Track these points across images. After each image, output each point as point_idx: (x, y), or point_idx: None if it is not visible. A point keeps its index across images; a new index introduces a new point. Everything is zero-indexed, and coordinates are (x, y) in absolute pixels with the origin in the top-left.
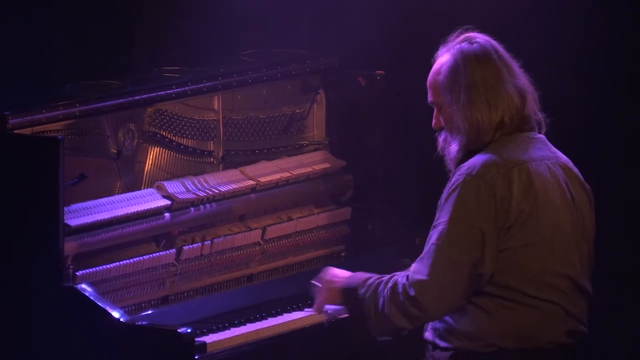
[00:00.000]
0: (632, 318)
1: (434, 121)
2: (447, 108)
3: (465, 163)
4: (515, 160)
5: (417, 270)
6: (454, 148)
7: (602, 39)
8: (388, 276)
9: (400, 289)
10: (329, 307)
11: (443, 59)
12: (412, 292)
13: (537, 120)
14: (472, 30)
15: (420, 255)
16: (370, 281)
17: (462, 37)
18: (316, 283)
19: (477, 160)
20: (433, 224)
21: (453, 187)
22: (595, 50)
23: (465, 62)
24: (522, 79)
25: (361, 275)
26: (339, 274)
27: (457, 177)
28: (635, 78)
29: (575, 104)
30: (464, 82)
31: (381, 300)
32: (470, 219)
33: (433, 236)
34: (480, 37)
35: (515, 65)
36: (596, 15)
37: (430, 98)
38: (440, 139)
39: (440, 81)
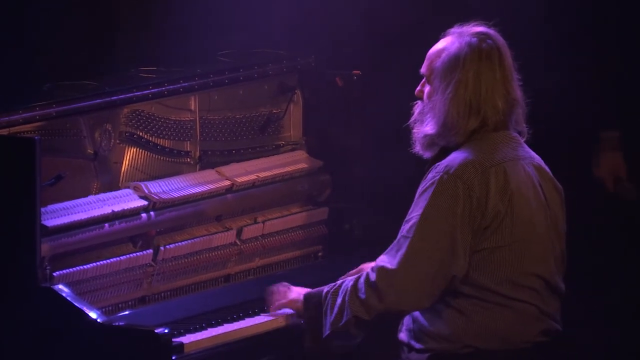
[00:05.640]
0: (604, 315)
1: (417, 88)
2: (432, 88)
3: (443, 161)
4: (493, 160)
5: (385, 260)
6: (422, 130)
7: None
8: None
9: (363, 277)
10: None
11: (450, 42)
12: (373, 277)
13: (520, 130)
14: (491, 27)
15: (390, 247)
16: (338, 281)
17: (477, 29)
18: (274, 289)
19: (454, 158)
20: (406, 219)
21: (429, 184)
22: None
23: (467, 57)
24: (517, 91)
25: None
26: (299, 289)
27: (434, 174)
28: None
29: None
30: (457, 76)
31: (342, 290)
32: (444, 218)
33: (404, 229)
34: (493, 38)
35: (515, 76)
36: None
37: (423, 69)
38: (416, 111)
39: (437, 64)
